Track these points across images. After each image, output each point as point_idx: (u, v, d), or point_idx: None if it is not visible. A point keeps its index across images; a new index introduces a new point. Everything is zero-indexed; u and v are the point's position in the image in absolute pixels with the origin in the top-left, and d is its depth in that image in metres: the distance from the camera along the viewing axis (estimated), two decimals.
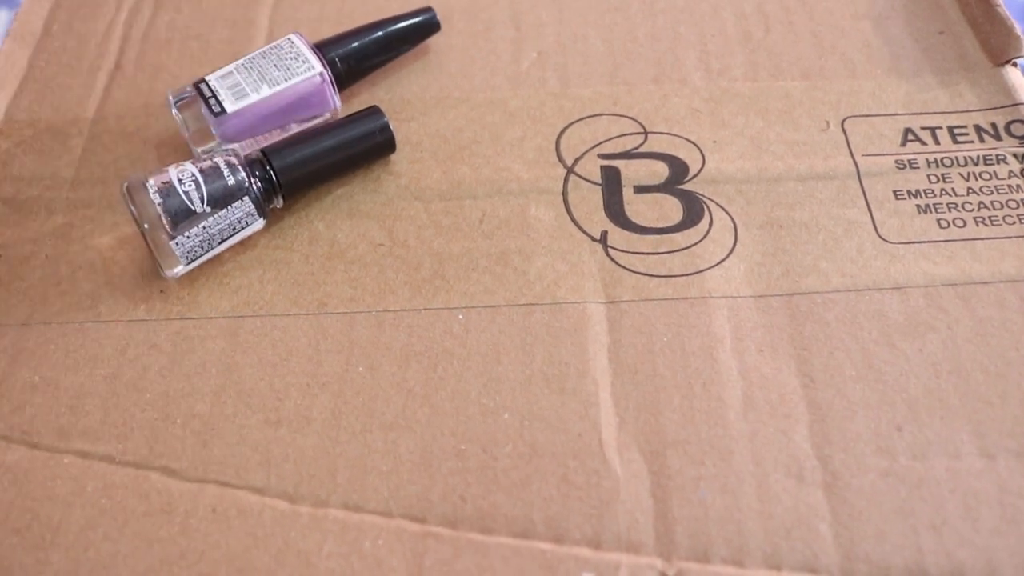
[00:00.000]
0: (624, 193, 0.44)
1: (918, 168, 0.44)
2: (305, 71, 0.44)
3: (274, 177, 0.41)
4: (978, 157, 0.44)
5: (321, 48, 0.46)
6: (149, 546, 0.34)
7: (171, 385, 0.39)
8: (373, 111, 0.44)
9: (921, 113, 0.46)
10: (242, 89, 0.43)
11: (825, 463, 0.36)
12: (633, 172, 0.45)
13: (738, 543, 0.34)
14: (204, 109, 0.43)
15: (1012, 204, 0.43)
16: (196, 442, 0.37)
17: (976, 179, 0.44)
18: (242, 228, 0.41)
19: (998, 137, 0.45)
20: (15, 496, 0.36)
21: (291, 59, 0.44)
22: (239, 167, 0.40)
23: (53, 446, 0.37)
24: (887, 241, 0.42)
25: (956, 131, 0.45)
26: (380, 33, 0.48)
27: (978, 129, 0.45)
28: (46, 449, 0.37)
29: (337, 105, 0.45)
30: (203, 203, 0.39)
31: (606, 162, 0.45)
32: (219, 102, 0.43)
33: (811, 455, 0.36)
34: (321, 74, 0.44)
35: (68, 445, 0.37)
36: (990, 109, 0.46)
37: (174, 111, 0.44)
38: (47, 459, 0.37)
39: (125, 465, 0.37)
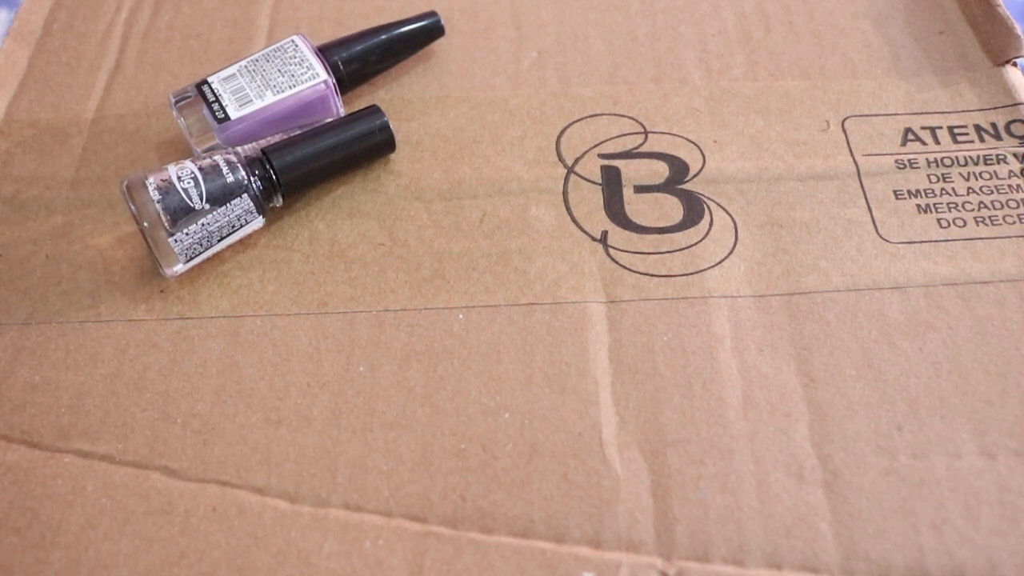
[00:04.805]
0: (624, 193, 0.44)
1: (918, 168, 0.44)
2: (310, 78, 0.44)
3: (274, 176, 0.41)
4: (978, 157, 0.44)
5: (324, 52, 0.46)
6: (149, 546, 0.34)
7: (171, 385, 0.39)
8: (373, 110, 0.44)
9: (921, 113, 0.46)
10: (246, 95, 0.43)
11: (825, 462, 0.36)
12: (633, 172, 0.45)
13: (738, 542, 0.34)
14: (206, 111, 0.43)
15: (1012, 204, 0.43)
16: (196, 442, 0.37)
17: (976, 179, 0.44)
18: (241, 226, 0.41)
19: (998, 137, 0.45)
20: (15, 496, 0.36)
21: (295, 64, 0.44)
22: (239, 166, 0.40)
23: (53, 446, 0.37)
24: (887, 241, 0.42)
25: (956, 131, 0.45)
26: (384, 38, 0.48)
27: (978, 129, 0.45)
28: (46, 449, 0.37)
29: (341, 112, 0.45)
30: (202, 200, 0.39)
31: (606, 162, 0.45)
32: (222, 107, 0.43)
33: (811, 454, 0.36)
34: (326, 82, 0.44)
35: (68, 445, 0.37)
36: (990, 109, 0.46)
37: (175, 112, 0.44)
38: (47, 459, 0.37)
39: (125, 465, 0.36)
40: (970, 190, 0.43)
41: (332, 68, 0.45)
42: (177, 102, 0.44)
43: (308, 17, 0.52)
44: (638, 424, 0.37)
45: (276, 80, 0.44)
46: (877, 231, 0.42)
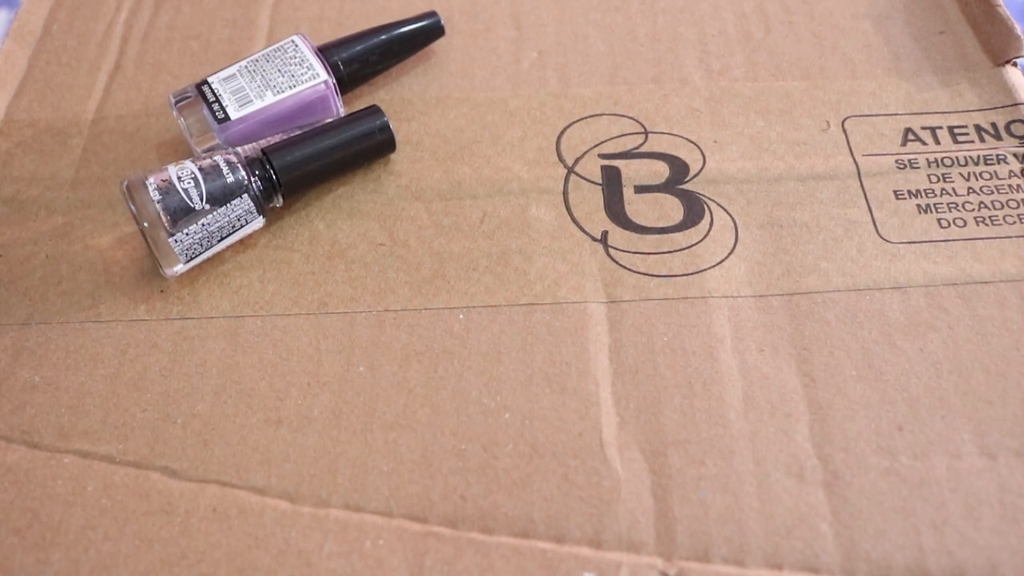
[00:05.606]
0: (625, 193, 0.44)
1: (918, 168, 0.44)
2: (310, 78, 0.44)
3: (274, 176, 0.41)
4: (978, 157, 0.44)
5: (324, 52, 0.46)
6: (149, 546, 0.34)
7: (171, 385, 0.39)
8: (373, 110, 0.44)
9: (921, 113, 0.46)
10: (246, 95, 0.43)
11: (826, 462, 0.36)
12: (634, 172, 0.45)
13: (739, 542, 0.34)
14: (206, 111, 0.43)
15: (1012, 204, 0.43)
16: (197, 442, 0.37)
17: (976, 179, 0.44)
18: (241, 226, 0.41)
19: (998, 137, 0.45)
20: (15, 496, 0.36)
21: (295, 64, 0.44)
22: (239, 166, 0.40)
23: (53, 446, 0.37)
24: (887, 241, 0.42)
25: (956, 131, 0.45)
26: (384, 38, 0.48)
27: (978, 129, 0.45)
28: (46, 449, 0.37)
29: (341, 113, 0.45)
30: (202, 200, 0.39)
31: (606, 162, 0.45)
32: (223, 108, 0.43)
33: (812, 454, 0.36)
34: (326, 82, 0.44)
35: (68, 445, 0.37)
36: (990, 109, 0.46)
37: (175, 112, 0.44)
38: (47, 459, 0.37)
39: (126, 465, 0.36)
40: (970, 190, 0.43)
41: (332, 68, 0.45)
42: (177, 102, 0.44)
43: (308, 17, 0.52)
44: (638, 424, 0.37)
45: (276, 80, 0.44)
46: (877, 231, 0.42)
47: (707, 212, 0.43)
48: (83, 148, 0.47)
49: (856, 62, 0.49)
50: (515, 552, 0.34)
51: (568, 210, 0.43)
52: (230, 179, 0.40)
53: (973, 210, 0.43)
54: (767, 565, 0.33)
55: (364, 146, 0.44)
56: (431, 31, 0.49)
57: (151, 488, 0.36)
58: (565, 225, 0.43)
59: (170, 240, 0.39)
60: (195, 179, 0.39)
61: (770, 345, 0.39)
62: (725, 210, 0.43)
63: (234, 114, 0.43)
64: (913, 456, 0.36)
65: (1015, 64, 0.48)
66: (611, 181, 0.44)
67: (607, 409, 0.37)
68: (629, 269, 0.41)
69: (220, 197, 0.39)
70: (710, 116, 0.47)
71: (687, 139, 0.46)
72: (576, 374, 0.38)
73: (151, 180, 0.39)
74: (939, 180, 0.44)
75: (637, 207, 0.43)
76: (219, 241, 0.40)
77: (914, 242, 0.42)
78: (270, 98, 0.43)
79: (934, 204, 0.43)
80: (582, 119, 0.47)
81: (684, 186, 0.44)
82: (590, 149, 0.46)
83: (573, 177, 0.45)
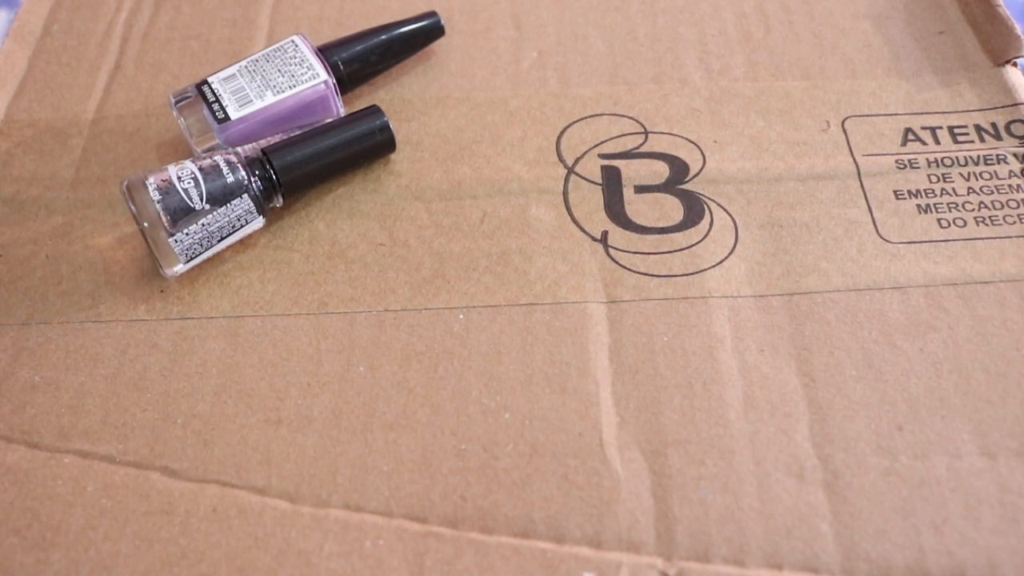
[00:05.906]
0: (625, 193, 0.44)
1: (918, 168, 0.44)
2: (310, 78, 0.44)
3: (274, 176, 0.41)
4: (978, 157, 0.44)
5: (324, 52, 0.46)
6: (149, 546, 0.34)
7: (171, 385, 0.39)
8: (373, 110, 0.44)
9: (921, 113, 0.46)
10: (246, 95, 0.43)
11: (826, 462, 0.36)
12: (634, 172, 0.45)
13: (739, 542, 0.34)
14: (206, 111, 0.43)
15: (1012, 204, 0.43)
16: (197, 442, 0.37)
17: (976, 179, 0.44)
18: (241, 226, 0.41)
19: (998, 137, 0.45)
20: (15, 496, 0.36)
21: (295, 64, 0.44)
22: (239, 166, 0.40)
23: (53, 446, 0.37)
24: (888, 241, 0.42)
25: (956, 131, 0.45)
26: (384, 38, 0.48)
27: (978, 129, 0.45)
28: (46, 449, 0.37)
29: (341, 113, 0.45)
30: (202, 200, 0.39)
31: (607, 162, 0.45)
32: (223, 108, 0.43)
33: (812, 454, 0.36)
34: (326, 82, 0.44)
35: (68, 445, 0.37)
36: (990, 109, 0.46)
37: (175, 112, 0.44)
38: (47, 459, 0.37)
39: (126, 465, 0.36)
40: (970, 190, 0.43)
41: (332, 68, 0.45)
42: (177, 102, 0.44)
43: (308, 17, 0.52)
44: (638, 424, 0.37)
45: (276, 80, 0.44)
46: (877, 231, 0.42)
47: (707, 212, 0.43)
48: (83, 148, 0.47)
49: (856, 62, 0.49)
50: (515, 552, 0.34)
51: (568, 210, 0.43)
52: (230, 179, 0.40)
53: (973, 210, 0.43)
54: (767, 565, 0.33)
55: (364, 146, 0.44)
56: (431, 31, 0.49)
57: (151, 488, 0.36)
58: (565, 225, 0.43)
59: (170, 240, 0.39)
60: (195, 179, 0.39)
61: (770, 345, 0.39)
62: (725, 210, 0.43)
63: (234, 114, 0.43)
64: (913, 456, 0.36)
65: (1015, 64, 0.48)
66: (611, 181, 0.44)
67: (607, 409, 0.37)
68: (629, 269, 0.41)
69: (220, 197, 0.40)
70: (710, 116, 0.47)
71: (687, 139, 0.46)
72: (576, 374, 0.38)
73: (151, 180, 0.39)
74: (939, 180, 0.44)
75: (637, 207, 0.43)
76: (219, 241, 0.40)
77: (914, 242, 0.42)
78: (270, 98, 0.44)
79: (934, 204, 0.43)
80: (582, 119, 0.47)
81: (684, 186, 0.44)
82: (590, 149, 0.46)
83: (573, 177, 0.45)
